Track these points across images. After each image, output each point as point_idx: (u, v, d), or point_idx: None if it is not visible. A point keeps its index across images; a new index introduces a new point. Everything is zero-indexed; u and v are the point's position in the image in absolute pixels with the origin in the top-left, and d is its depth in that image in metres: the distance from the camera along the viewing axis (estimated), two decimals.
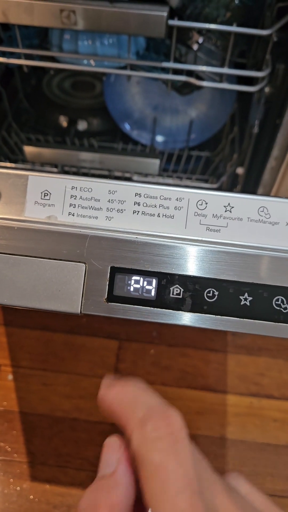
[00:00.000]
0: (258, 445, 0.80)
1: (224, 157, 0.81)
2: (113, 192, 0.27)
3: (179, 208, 0.27)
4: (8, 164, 0.73)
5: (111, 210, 0.27)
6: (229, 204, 0.27)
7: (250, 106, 0.72)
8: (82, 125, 0.87)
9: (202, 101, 0.81)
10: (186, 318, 0.26)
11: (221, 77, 0.54)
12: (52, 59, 0.58)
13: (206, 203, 0.27)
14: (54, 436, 0.81)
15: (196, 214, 0.27)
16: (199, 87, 0.61)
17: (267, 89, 0.61)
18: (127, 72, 0.54)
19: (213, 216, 0.27)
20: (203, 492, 0.18)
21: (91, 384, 0.86)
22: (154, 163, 0.68)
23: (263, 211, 0.27)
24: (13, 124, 0.86)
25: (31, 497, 0.76)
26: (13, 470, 0.78)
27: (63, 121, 0.89)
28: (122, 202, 0.27)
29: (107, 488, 0.20)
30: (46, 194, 0.27)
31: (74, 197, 0.27)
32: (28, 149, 0.68)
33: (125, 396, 0.21)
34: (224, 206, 0.27)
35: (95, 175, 0.73)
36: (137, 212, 0.27)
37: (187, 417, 0.83)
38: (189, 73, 0.56)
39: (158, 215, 0.27)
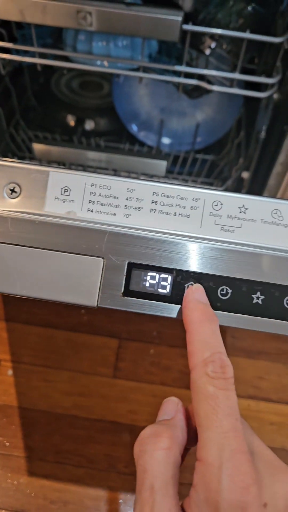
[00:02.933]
0: None
1: (229, 161, 0.82)
2: (131, 191, 0.28)
3: (195, 208, 0.28)
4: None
5: (129, 207, 0.28)
6: (243, 205, 0.28)
7: (257, 111, 0.73)
8: (89, 125, 0.88)
9: (209, 105, 0.82)
10: None
11: (231, 82, 0.55)
12: (66, 58, 0.59)
13: (222, 204, 0.28)
14: (54, 432, 0.82)
15: (211, 214, 0.28)
16: (209, 91, 0.62)
17: (275, 96, 0.62)
18: (139, 74, 0.55)
19: (228, 217, 0.28)
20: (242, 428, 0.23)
21: (91, 381, 0.86)
22: (161, 165, 0.69)
23: (276, 213, 0.28)
24: (21, 122, 0.87)
25: (28, 491, 0.77)
26: (11, 465, 0.79)
27: (71, 120, 0.90)
28: (140, 200, 0.28)
29: (167, 425, 0.24)
30: (66, 190, 0.28)
31: (93, 194, 0.28)
32: (37, 147, 0.69)
33: (201, 332, 0.25)
34: (239, 208, 0.28)
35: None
36: (154, 210, 0.28)
37: None
38: (200, 77, 0.57)
39: (175, 214, 0.28)
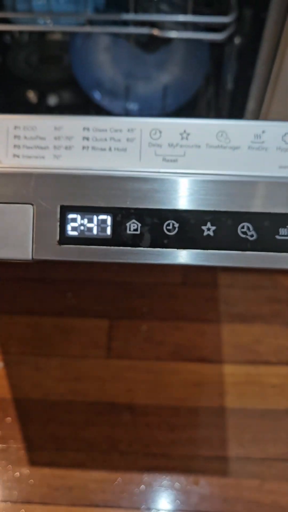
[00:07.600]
0: (257, 411, 0.79)
1: None
2: (59, 128, 0.25)
3: (132, 140, 0.25)
4: None
5: (59, 148, 0.25)
6: (185, 131, 0.25)
7: (223, 63, 0.69)
8: (53, 100, 0.84)
9: (175, 64, 0.78)
10: (146, 255, 0.24)
11: (185, 27, 0.51)
12: (7, 22, 0.55)
13: (160, 132, 0.25)
14: (50, 420, 0.80)
15: (150, 144, 0.25)
16: (166, 42, 0.58)
17: (237, 40, 0.58)
18: (86, 29, 0.52)
19: (169, 146, 0.25)
20: None
21: (84, 365, 0.84)
22: None
23: (222, 135, 0.25)
24: None
25: (31, 481, 0.75)
26: (10, 457, 0.77)
27: (32, 97, 0.86)
28: (69, 138, 0.25)
29: None
30: None
31: (18, 138, 0.25)
32: None
33: None
34: (180, 134, 0.25)
35: None
36: (86, 147, 0.25)
37: (185, 390, 0.81)
38: (153, 25, 0.53)
39: (110, 149, 0.25)
